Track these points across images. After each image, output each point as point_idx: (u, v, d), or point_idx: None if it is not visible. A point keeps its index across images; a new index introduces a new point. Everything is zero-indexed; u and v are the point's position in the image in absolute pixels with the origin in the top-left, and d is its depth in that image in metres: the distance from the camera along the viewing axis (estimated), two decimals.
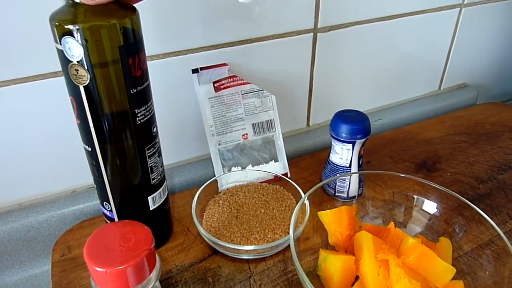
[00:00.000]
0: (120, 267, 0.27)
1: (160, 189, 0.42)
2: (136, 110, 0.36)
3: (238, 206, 0.49)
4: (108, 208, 0.41)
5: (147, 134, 0.38)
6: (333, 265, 0.38)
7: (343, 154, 0.50)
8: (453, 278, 0.38)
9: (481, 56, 0.83)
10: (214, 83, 0.52)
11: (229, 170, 0.54)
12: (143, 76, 0.36)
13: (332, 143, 0.50)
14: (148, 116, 0.38)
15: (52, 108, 0.47)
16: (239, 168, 0.55)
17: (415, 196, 0.46)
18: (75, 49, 0.31)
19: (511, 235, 0.48)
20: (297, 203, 0.44)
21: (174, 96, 0.54)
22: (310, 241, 0.43)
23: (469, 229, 0.42)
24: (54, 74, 0.46)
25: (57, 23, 0.31)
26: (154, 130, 0.39)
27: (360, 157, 0.50)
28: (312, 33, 0.59)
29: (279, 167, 0.56)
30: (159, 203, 0.43)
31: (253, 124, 0.55)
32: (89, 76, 0.33)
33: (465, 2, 0.72)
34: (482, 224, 0.40)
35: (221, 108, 0.53)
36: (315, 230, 0.44)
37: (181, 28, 0.50)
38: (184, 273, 0.43)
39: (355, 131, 0.47)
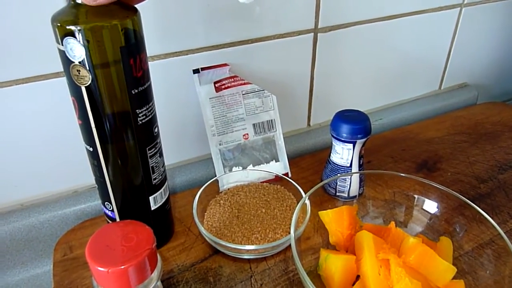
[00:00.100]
0: (122, 267, 0.27)
1: (162, 189, 0.42)
2: (137, 110, 0.36)
3: (239, 206, 0.50)
4: (110, 208, 0.41)
5: (148, 134, 0.38)
6: (334, 264, 0.38)
7: (343, 154, 0.50)
8: (454, 278, 0.38)
9: (481, 56, 0.83)
10: (215, 83, 0.52)
11: (230, 170, 0.54)
12: (144, 76, 0.36)
13: (333, 143, 0.50)
14: (150, 117, 0.38)
15: (54, 108, 0.47)
16: (240, 168, 0.55)
17: (416, 196, 0.46)
18: (76, 49, 0.32)
19: None
20: (298, 203, 0.44)
21: (175, 96, 0.54)
22: (311, 241, 0.43)
23: (469, 229, 0.42)
24: (56, 75, 0.46)
25: (59, 24, 0.31)
26: (156, 130, 0.40)
27: (360, 157, 0.50)
28: (312, 33, 0.59)
29: (280, 167, 0.57)
30: (161, 203, 0.43)
31: (254, 124, 0.55)
32: (90, 76, 0.33)
33: (465, 2, 0.72)
34: (482, 224, 0.40)
35: (222, 108, 0.53)
36: (316, 230, 0.44)
37: (182, 29, 0.50)
38: (186, 272, 0.43)
39: (356, 131, 0.47)
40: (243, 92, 0.54)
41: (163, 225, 0.46)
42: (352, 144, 0.48)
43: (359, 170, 0.51)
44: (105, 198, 0.40)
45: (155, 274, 0.30)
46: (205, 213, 0.49)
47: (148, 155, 0.39)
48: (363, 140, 0.48)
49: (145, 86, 0.36)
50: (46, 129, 0.48)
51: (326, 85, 0.65)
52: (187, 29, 0.50)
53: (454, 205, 0.43)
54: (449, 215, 0.44)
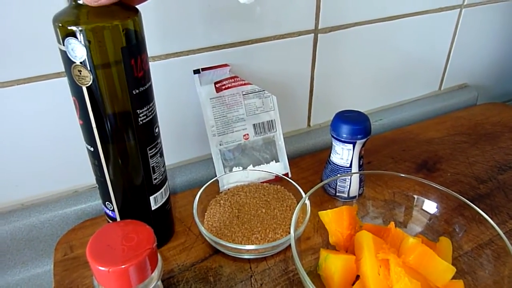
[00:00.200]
0: (123, 266, 0.27)
1: (162, 189, 0.43)
2: (138, 110, 0.36)
3: (239, 206, 0.50)
4: (110, 208, 0.41)
5: (149, 134, 0.39)
6: (334, 264, 0.38)
7: (343, 154, 0.50)
8: (453, 278, 0.38)
9: (481, 56, 0.83)
10: (215, 83, 0.52)
11: (230, 170, 0.54)
12: (145, 76, 0.36)
13: (333, 143, 0.51)
14: (150, 117, 0.38)
15: (55, 108, 0.47)
16: (240, 168, 0.55)
17: (416, 196, 0.46)
18: (78, 50, 0.32)
19: (511, 235, 0.48)
20: (298, 203, 0.44)
21: (175, 96, 0.54)
22: (311, 241, 0.44)
23: (469, 229, 0.42)
24: (57, 75, 0.46)
25: (60, 24, 0.31)
26: (156, 130, 0.40)
27: (360, 157, 0.50)
28: (312, 34, 0.60)
29: (280, 167, 0.57)
30: (161, 203, 0.43)
31: (254, 125, 0.55)
32: (91, 76, 0.33)
33: (465, 3, 0.72)
34: (482, 224, 0.40)
35: (222, 109, 0.53)
36: (316, 230, 0.44)
37: (182, 29, 0.50)
38: (186, 272, 0.43)
39: (356, 131, 0.48)
40: (244, 93, 0.54)
41: (164, 225, 0.46)
42: (352, 145, 0.49)
43: (359, 170, 0.51)
44: (105, 198, 0.40)
45: (155, 274, 0.30)
46: (206, 213, 0.49)
47: (149, 155, 0.39)
48: (363, 140, 0.48)
49: (146, 87, 0.36)
50: (47, 129, 0.48)
51: (326, 85, 0.65)
52: (188, 30, 0.50)
53: (453, 206, 0.43)
54: (448, 216, 0.44)
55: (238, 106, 0.54)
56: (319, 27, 0.59)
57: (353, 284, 0.38)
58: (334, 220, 0.43)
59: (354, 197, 0.51)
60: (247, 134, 0.55)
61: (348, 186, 0.50)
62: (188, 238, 0.48)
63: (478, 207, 0.41)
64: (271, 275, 0.43)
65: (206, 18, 0.51)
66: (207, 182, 0.51)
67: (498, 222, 0.50)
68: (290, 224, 0.45)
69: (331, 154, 0.52)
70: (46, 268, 0.52)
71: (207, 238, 0.44)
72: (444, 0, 0.70)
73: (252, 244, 0.44)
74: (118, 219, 0.41)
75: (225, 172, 0.54)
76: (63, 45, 0.32)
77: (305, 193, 0.44)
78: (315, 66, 0.62)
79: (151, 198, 0.42)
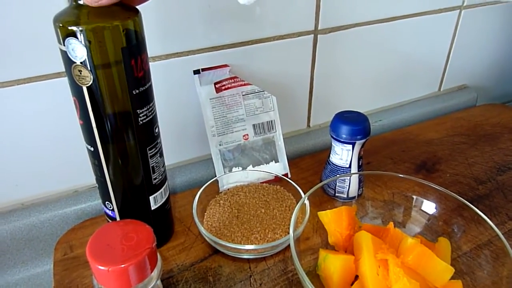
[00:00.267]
0: (122, 266, 0.28)
1: (162, 189, 0.43)
2: (138, 110, 0.36)
3: (239, 206, 0.50)
4: (110, 207, 0.41)
5: (149, 134, 0.39)
6: (333, 264, 0.38)
7: (343, 154, 0.50)
8: (452, 278, 0.38)
9: (481, 57, 0.83)
10: (215, 84, 0.53)
11: (230, 171, 0.55)
12: (145, 77, 0.36)
13: (332, 143, 0.51)
14: (150, 117, 0.38)
15: (55, 108, 0.48)
16: (240, 168, 0.55)
17: (415, 197, 0.46)
18: (78, 50, 0.32)
19: (510, 236, 0.48)
20: (297, 203, 0.44)
21: (175, 97, 0.54)
22: (310, 241, 0.44)
23: (468, 230, 0.42)
24: (57, 75, 0.46)
25: (61, 25, 0.31)
26: (156, 130, 0.40)
27: (360, 157, 0.50)
28: (312, 35, 0.60)
29: (279, 168, 0.57)
30: (161, 203, 0.43)
31: (253, 125, 0.55)
32: (92, 76, 0.33)
33: (464, 4, 0.72)
34: (481, 225, 0.40)
35: (222, 109, 0.53)
36: (315, 230, 0.44)
37: (182, 30, 0.50)
38: (185, 272, 0.44)
39: (355, 132, 0.48)
40: (243, 93, 0.54)
41: (163, 224, 0.46)
42: (351, 145, 0.49)
43: (358, 171, 0.51)
44: (105, 197, 0.41)
45: (155, 273, 0.30)
46: (205, 213, 0.49)
47: (149, 155, 0.39)
48: (362, 141, 0.49)
49: (146, 87, 0.36)
50: (47, 129, 0.49)
51: (326, 86, 0.66)
52: (188, 30, 0.51)
53: (452, 206, 0.44)
54: (447, 216, 0.44)
55: (238, 106, 0.54)
56: (319, 28, 0.59)
57: (352, 284, 0.38)
58: (333, 220, 0.43)
59: (354, 197, 0.51)
60: (247, 135, 0.55)
61: (348, 187, 0.50)
62: (187, 238, 0.48)
63: (477, 208, 0.41)
64: (270, 275, 0.43)
65: (206, 18, 0.51)
66: (206, 182, 0.51)
67: (497, 223, 0.50)
68: (289, 224, 0.45)
69: (331, 155, 0.52)
70: (46, 267, 0.52)
71: (206, 238, 0.45)
72: (444, 1, 0.70)
73: (252, 244, 0.44)
74: (118, 218, 0.42)
75: (224, 172, 0.54)
76: (64, 45, 0.32)
77: (305, 194, 0.44)
78: (315, 66, 0.63)
79: (151, 198, 0.42)
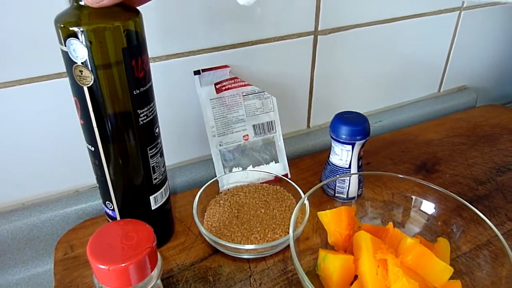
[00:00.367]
0: (123, 265, 0.28)
1: (162, 189, 0.43)
2: (138, 110, 0.37)
3: (239, 206, 0.50)
4: (111, 207, 0.41)
5: (149, 134, 0.39)
6: (332, 264, 0.39)
7: (342, 155, 0.50)
8: (451, 278, 0.38)
9: (480, 58, 0.83)
10: (215, 84, 0.53)
11: (230, 171, 0.55)
12: (146, 77, 0.36)
13: (332, 144, 0.51)
14: (151, 117, 0.38)
15: (56, 109, 0.48)
16: (240, 168, 0.55)
17: (414, 197, 0.46)
18: (79, 50, 0.32)
19: (509, 236, 0.48)
20: (297, 204, 0.44)
21: (176, 97, 0.54)
22: (310, 241, 0.44)
23: (467, 230, 0.42)
24: (58, 75, 0.46)
25: (62, 25, 0.32)
26: (156, 130, 0.40)
27: (359, 158, 0.51)
28: (312, 36, 0.60)
29: (279, 168, 0.57)
30: (161, 203, 0.43)
31: (254, 125, 0.55)
32: (93, 77, 0.33)
33: (464, 6, 0.72)
34: (480, 225, 0.41)
35: (222, 110, 0.53)
36: (315, 230, 0.45)
37: (183, 30, 0.51)
38: (185, 272, 0.44)
39: (355, 132, 0.48)
40: (243, 94, 0.54)
41: (163, 224, 0.46)
42: (351, 146, 0.49)
43: (358, 171, 0.51)
44: (106, 197, 0.41)
45: (155, 273, 0.30)
46: (205, 213, 0.50)
47: (149, 155, 0.40)
48: (362, 141, 0.49)
49: (146, 87, 0.37)
50: (48, 129, 0.49)
51: (326, 87, 0.66)
52: (188, 31, 0.51)
53: (452, 207, 0.44)
54: (447, 217, 0.44)
55: (238, 107, 0.54)
56: (319, 29, 0.60)
57: (351, 284, 0.39)
58: (333, 220, 0.43)
59: (353, 198, 0.51)
60: (247, 135, 0.55)
61: (347, 187, 0.50)
62: (187, 238, 0.48)
63: (477, 209, 0.41)
64: (270, 275, 0.43)
65: (206, 19, 0.51)
66: (207, 182, 0.51)
67: (496, 223, 0.50)
68: (289, 224, 0.45)
69: (330, 155, 0.52)
70: (47, 267, 0.52)
71: (206, 238, 0.45)
72: (444, 3, 0.70)
73: (251, 244, 0.44)
74: (118, 218, 0.42)
75: (225, 172, 0.55)
76: (65, 45, 0.32)
77: (304, 194, 0.44)
78: (315, 67, 0.63)
79: (151, 197, 0.42)
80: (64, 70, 0.34)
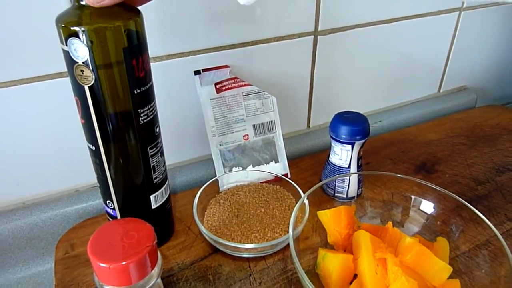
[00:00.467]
0: (123, 263, 0.28)
1: (162, 188, 0.43)
2: (139, 110, 0.37)
3: (239, 206, 0.50)
4: (111, 206, 0.41)
5: (150, 133, 0.39)
6: (332, 263, 0.39)
7: (342, 155, 0.50)
8: (450, 277, 0.38)
9: (480, 59, 0.83)
10: (215, 84, 0.53)
11: (230, 170, 0.55)
12: (147, 77, 0.37)
13: (332, 144, 0.51)
14: (151, 116, 0.38)
15: (57, 108, 0.48)
16: (240, 168, 0.55)
17: (413, 197, 0.46)
18: (80, 50, 0.32)
19: (508, 236, 0.49)
20: (297, 203, 0.44)
21: (176, 97, 0.54)
22: (310, 241, 0.44)
23: (466, 230, 0.42)
24: (59, 75, 0.46)
25: (63, 25, 0.32)
26: (157, 130, 0.40)
27: (359, 158, 0.51)
28: (312, 36, 0.60)
29: (279, 168, 0.57)
30: (161, 202, 0.44)
31: (254, 125, 0.56)
32: (94, 76, 0.33)
33: (464, 6, 0.73)
34: (479, 225, 0.41)
35: (223, 109, 0.54)
36: (315, 230, 0.45)
37: (183, 31, 0.51)
38: (185, 271, 0.44)
39: (354, 132, 0.48)
40: (244, 94, 0.54)
41: (164, 224, 0.47)
42: (350, 145, 0.49)
43: (358, 171, 0.51)
44: (106, 196, 0.41)
45: (155, 271, 0.31)
46: (205, 213, 0.50)
47: (149, 154, 0.40)
48: (362, 141, 0.49)
49: (147, 87, 0.37)
50: (48, 129, 0.49)
51: (326, 87, 0.66)
52: (189, 31, 0.51)
53: (451, 206, 0.44)
54: (446, 216, 0.44)
55: (238, 107, 0.54)
56: (319, 29, 0.60)
57: (350, 283, 0.39)
58: (333, 219, 0.43)
59: (353, 197, 0.51)
60: (247, 135, 0.55)
61: (347, 187, 0.50)
62: (188, 237, 0.48)
63: (476, 208, 0.41)
64: (270, 274, 0.43)
65: (207, 19, 0.51)
66: (207, 182, 0.51)
67: (495, 223, 0.50)
68: (289, 224, 0.45)
69: (330, 155, 0.52)
70: (47, 266, 0.52)
71: (206, 237, 0.45)
72: (444, 3, 0.70)
73: (251, 243, 0.44)
74: (119, 217, 0.42)
75: (225, 172, 0.55)
76: (66, 45, 0.32)
77: (304, 193, 0.44)
78: (315, 67, 0.63)
79: (152, 197, 0.42)
80: (65, 69, 0.35)
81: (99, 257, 0.28)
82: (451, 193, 0.43)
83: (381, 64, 0.70)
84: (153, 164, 0.40)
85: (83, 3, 0.32)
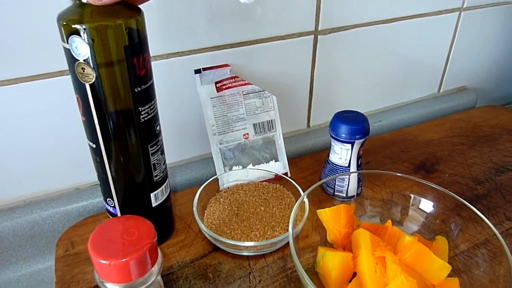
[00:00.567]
0: (123, 260, 0.28)
1: (163, 186, 0.43)
2: (140, 108, 0.37)
3: (239, 204, 0.50)
4: (112, 204, 0.41)
5: (150, 132, 0.39)
6: (331, 261, 0.39)
7: (342, 154, 0.50)
8: (449, 276, 0.38)
9: (480, 59, 0.83)
10: (216, 83, 0.53)
11: (230, 169, 0.55)
12: (147, 75, 0.37)
13: (332, 143, 0.51)
14: (152, 114, 0.39)
15: (57, 106, 0.48)
16: (240, 167, 0.55)
17: (412, 195, 0.46)
18: (81, 48, 0.32)
19: (508, 235, 0.49)
20: (296, 202, 0.44)
21: (177, 95, 0.54)
22: (309, 239, 0.44)
23: (465, 229, 0.43)
24: (60, 73, 0.47)
25: (65, 23, 0.32)
26: (157, 128, 0.40)
27: (359, 157, 0.51)
28: (313, 35, 0.60)
29: (279, 167, 0.57)
30: (161, 200, 0.44)
31: (254, 124, 0.56)
32: (95, 74, 0.34)
33: (464, 6, 0.73)
34: (478, 224, 0.41)
35: (223, 108, 0.54)
36: (314, 228, 0.45)
37: (184, 29, 0.51)
38: (185, 269, 0.44)
39: (354, 131, 0.48)
40: (244, 93, 0.54)
41: (164, 221, 0.47)
42: (350, 144, 0.49)
43: (357, 170, 0.51)
44: (107, 194, 0.41)
45: (155, 268, 0.31)
46: (205, 211, 0.50)
47: (150, 152, 0.40)
48: (361, 140, 0.49)
49: (147, 85, 0.37)
50: (49, 127, 0.49)
51: (326, 86, 0.66)
52: (189, 30, 0.51)
53: (450, 206, 0.44)
54: (445, 215, 0.44)
55: (238, 105, 0.54)
56: (319, 29, 0.60)
57: (350, 281, 0.39)
58: (332, 218, 0.43)
59: (352, 196, 0.51)
60: (247, 134, 0.56)
61: (347, 186, 0.50)
62: (188, 235, 0.48)
63: (475, 208, 0.41)
64: (269, 272, 0.44)
65: (207, 18, 0.51)
66: (207, 180, 0.51)
67: (494, 223, 0.50)
68: (288, 222, 0.45)
69: (330, 154, 0.52)
70: (48, 264, 0.52)
71: (206, 235, 0.45)
72: (444, 3, 0.70)
73: (251, 241, 0.44)
74: (119, 215, 0.42)
75: (225, 171, 0.55)
76: (67, 43, 0.33)
77: (304, 192, 0.44)
78: (315, 67, 0.63)
79: (152, 195, 0.42)
80: (65, 68, 0.35)
81: (99, 253, 0.28)
82: (450, 192, 0.43)
83: (381, 64, 0.70)
84: (153, 162, 0.41)
85: (84, 1, 0.32)
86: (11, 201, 0.52)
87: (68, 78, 0.36)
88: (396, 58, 0.71)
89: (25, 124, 0.48)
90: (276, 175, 0.54)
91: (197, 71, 0.53)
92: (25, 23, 0.43)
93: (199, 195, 0.49)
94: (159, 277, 0.32)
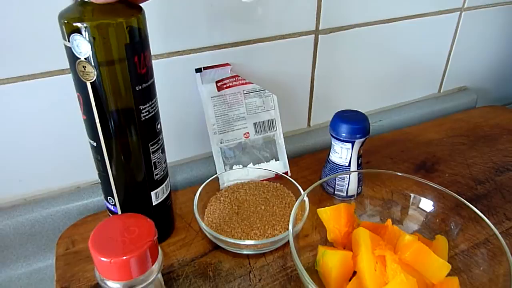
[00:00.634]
0: (124, 257, 0.28)
1: (163, 185, 0.43)
2: (140, 106, 0.37)
3: (239, 203, 0.50)
4: (112, 202, 0.42)
5: (151, 130, 0.39)
6: (331, 260, 0.39)
7: (342, 153, 0.50)
8: (449, 275, 0.38)
9: (481, 59, 0.83)
10: (216, 82, 0.53)
11: (231, 168, 0.55)
12: (148, 73, 0.37)
13: (332, 142, 0.51)
14: (152, 113, 0.39)
15: (58, 105, 0.48)
16: (241, 166, 0.55)
17: (412, 195, 0.47)
18: (82, 46, 0.32)
19: (507, 235, 0.49)
20: (297, 201, 0.44)
21: (177, 94, 0.55)
22: (309, 238, 0.44)
23: (465, 228, 0.43)
24: (61, 72, 0.47)
25: (66, 21, 0.32)
26: (158, 126, 0.40)
27: (359, 156, 0.51)
28: (313, 35, 0.60)
29: (279, 166, 0.57)
30: (162, 199, 0.44)
31: (254, 123, 0.56)
32: (96, 72, 0.34)
33: (465, 6, 0.73)
34: (478, 224, 0.41)
35: (224, 107, 0.54)
36: (314, 227, 0.45)
37: (185, 28, 0.51)
38: (186, 267, 0.44)
39: (355, 130, 0.48)
40: (244, 92, 0.55)
41: (164, 220, 0.47)
42: (350, 144, 0.49)
43: (358, 169, 0.51)
44: (108, 192, 0.41)
45: (156, 266, 0.31)
46: (206, 210, 0.50)
47: (151, 150, 0.40)
48: (362, 140, 0.49)
49: (148, 83, 0.37)
50: (50, 126, 0.49)
51: (326, 86, 0.66)
52: (190, 29, 0.51)
53: (450, 205, 0.44)
54: (445, 215, 0.44)
55: (239, 105, 0.54)
56: (319, 28, 0.60)
57: (350, 280, 0.39)
58: (332, 217, 0.43)
59: (353, 196, 0.51)
60: (248, 133, 0.56)
61: (347, 185, 0.51)
62: (188, 234, 0.48)
63: (475, 207, 0.41)
64: (269, 271, 0.44)
65: (208, 17, 0.51)
66: (207, 179, 0.51)
67: (494, 222, 0.50)
68: (288, 221, 0.45)
69: (330, 153, 0.52)
70: (48, 262, 0.53)
71: (207, 234, 0.45)
72: (444, 3, 0.70)
73: (251, 240, 0.44)
74: (120, 214, 0.42)
75: (225, 170, 0.55)
76: (68, 41, 0.33)
77: (304, 191, 0.44)
78: (316, 66, 0.63)
79: (152, 193, 0.42)
80: (66, 66, 0.35)
81: (100, 251, 0.28)
82: (450, 192, 0.43)
83: (381, 64, 0.70)
84: (154, 160, 0.41)
85: None
86: (12, 199, 0.52)
87: (69, 77, 0.36)
88: (397, 58, 0.71)
89: (26, 123, 0.48)
90: (277, 174, 0.54)
91: (198, 70, 0.53)
92: (26, 22, 0.43)
93: (200, 194, 0.49)
94: (159, 275, 0.32)
